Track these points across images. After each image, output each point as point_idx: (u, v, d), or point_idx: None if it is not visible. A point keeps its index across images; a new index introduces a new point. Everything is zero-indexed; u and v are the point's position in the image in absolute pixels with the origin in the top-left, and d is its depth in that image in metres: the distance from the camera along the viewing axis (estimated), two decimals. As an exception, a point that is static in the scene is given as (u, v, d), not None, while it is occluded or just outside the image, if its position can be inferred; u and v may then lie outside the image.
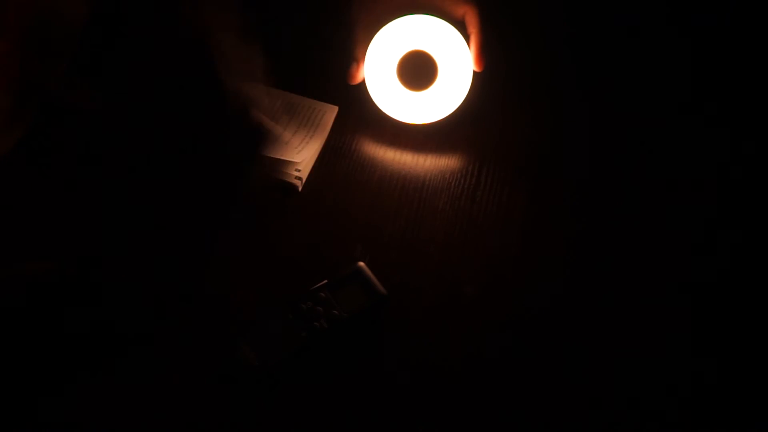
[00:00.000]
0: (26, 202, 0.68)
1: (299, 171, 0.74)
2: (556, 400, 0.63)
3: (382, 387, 0.64)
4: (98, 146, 0.60)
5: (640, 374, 0.64)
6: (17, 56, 0.66)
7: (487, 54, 0.75)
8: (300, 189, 0.74)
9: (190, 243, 0.61)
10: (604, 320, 0.67)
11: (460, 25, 0.76)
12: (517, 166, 0.77)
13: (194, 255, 0.62)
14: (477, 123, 0.79)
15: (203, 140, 0.62)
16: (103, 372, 0.62)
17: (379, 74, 0.76)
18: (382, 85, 0.77)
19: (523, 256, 0.71)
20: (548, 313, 0.68)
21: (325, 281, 0.66)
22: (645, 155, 0.78)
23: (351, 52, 0.77)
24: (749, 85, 0.82)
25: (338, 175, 0.76)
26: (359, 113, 0.80)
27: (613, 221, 0.73)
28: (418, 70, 0.75)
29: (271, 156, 0.74)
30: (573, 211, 0.74)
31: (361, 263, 0.67)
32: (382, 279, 0.66)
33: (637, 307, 0.68)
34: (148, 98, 0.60)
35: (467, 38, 0.75)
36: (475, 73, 0.76)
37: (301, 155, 0.75)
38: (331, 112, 0.80)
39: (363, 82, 0.77)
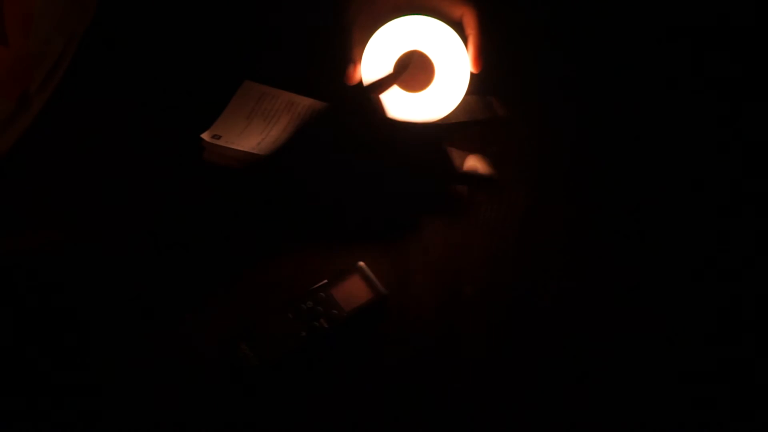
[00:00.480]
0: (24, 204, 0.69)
1: (299, 171, 0.74)
2: (558, 399, 0.63)
3: (382, 386, 0.64)
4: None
5: (641, 368, 0.64)
6: (20, 63, 0.66)
7: (485, 55, 0.74)
8: (300, 188, 0.74)
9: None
10: (605, 320, 0.67)
11: (458, 26, 0.75)
12: (517, 166, 0.77)
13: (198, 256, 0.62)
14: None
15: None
16: (100, 372, 0.62)
17: (376, 75, 0.76)
18: None
19: (523, 255, 0.71)
20: (549, 313, 0.68)
21: (326, 281, 0.66)
22: (644, 152, 0.78)
23: (348, 53, 0.77)
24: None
25: (338, 175, 0.76)
26: (359, 113, 0.80)
27: (614, 220, 0.73)
28: (415, 71, 0.75)
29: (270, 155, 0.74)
30: (573, 211, 0.74)
31: (361, 263, 0.67)
32: (381, 278, 0.67)
33: (639, 305, 0.68)
34: None
35: (465, 39, 0.75)
36: (472, 74, 0.76)
37: (300, 155, 0.75)
38: (330, 112, 0.80)
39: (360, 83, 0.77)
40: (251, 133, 0.76)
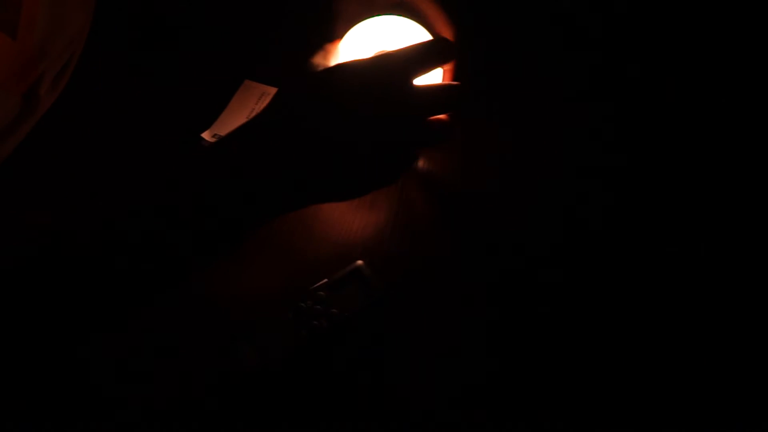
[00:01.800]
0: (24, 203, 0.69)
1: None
2: (561, 404, 0.63)
3: (381, 384, 0.64)
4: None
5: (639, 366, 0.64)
6: (24, 58, 0.66)
7: (463, 71, 0.66)
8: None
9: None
10: (606, 321, 0.67)
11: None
12: (516, 167, 0.77)
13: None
14: (474, 123, 0.79)
15: None
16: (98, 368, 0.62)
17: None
18: None
19: (523, 255, 0.71)
20: (549, 312, 0.68)
21: (325, 280, 0.66)
22: (643, 150, 0.77)
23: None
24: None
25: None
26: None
27: (614, 220, 0.73)
28: None
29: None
30: (572, 211, 0.74)
31: (360, 262, 0.67)
32: (381, 277, 0.67)
33: (636, 306, 0.68)
34: None
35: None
36: (455, 73, 0.67)
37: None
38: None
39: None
40: (251, 133, 0.76)
